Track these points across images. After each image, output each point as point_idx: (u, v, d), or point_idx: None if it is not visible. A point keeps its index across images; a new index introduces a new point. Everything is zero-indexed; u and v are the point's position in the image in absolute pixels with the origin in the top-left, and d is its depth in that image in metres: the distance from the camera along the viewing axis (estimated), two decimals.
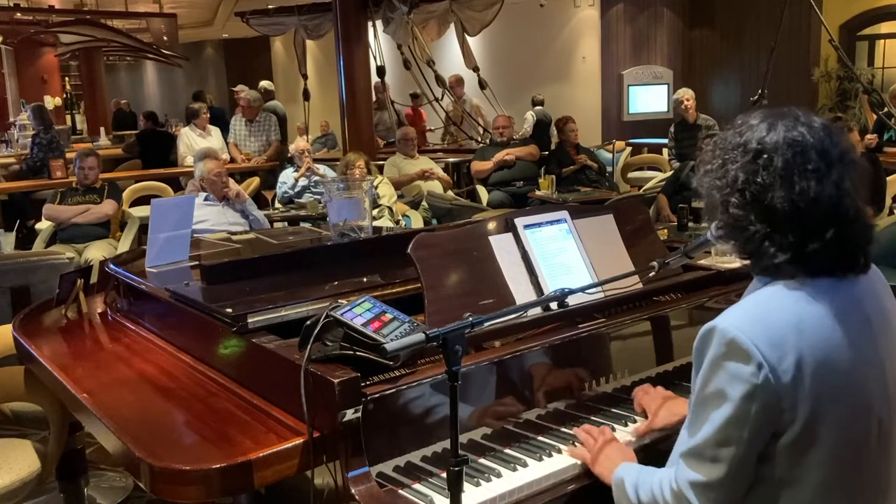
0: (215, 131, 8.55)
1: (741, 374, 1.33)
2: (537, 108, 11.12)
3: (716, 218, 1.48)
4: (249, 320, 1.98)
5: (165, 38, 13.58)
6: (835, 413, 1.35)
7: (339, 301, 1.79)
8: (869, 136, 7.50)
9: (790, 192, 1.36)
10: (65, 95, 16.52)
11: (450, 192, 7.24)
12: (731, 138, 1.45)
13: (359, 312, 1.71)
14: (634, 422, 1.96)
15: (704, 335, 1.40)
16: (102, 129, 13.56)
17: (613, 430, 1.91)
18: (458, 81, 10.58)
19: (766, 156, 1.39)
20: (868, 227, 1.43)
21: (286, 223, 6.11)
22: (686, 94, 7.73)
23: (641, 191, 7.49)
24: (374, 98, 10.02)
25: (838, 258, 1.39)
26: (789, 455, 1.36)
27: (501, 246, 2.12)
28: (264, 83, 10.44)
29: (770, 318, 1.36)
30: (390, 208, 5.92)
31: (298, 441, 1.65)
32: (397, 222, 5.88)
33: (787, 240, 1.37)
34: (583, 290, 1.96)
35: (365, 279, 2.38)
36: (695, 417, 1.42)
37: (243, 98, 8.59)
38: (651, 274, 2.02)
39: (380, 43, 9.62)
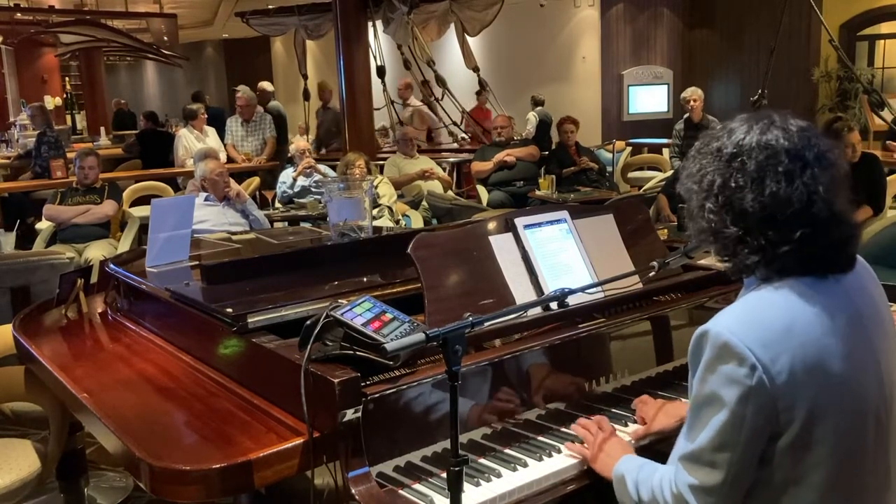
0: (212, 132, 8.56)
1: (735, 377, 1.34)
2: (539, 108, 11.10)
3: (693, 221, 1.48)
4: (249, 320, 1.98)
5: (165, 38, 13.59)
6: (832, 412, 1.35)
7: (339, 301, 1.79)
8: None
9: (760, 195, 1.37)
10: (65, 95, 16.52)
11: (450, 192, 7.24)
12: (710, 143, 1.47)
13: (359, 312, 1.71)
14: (634, 422, 1.96)
15: (698, 339, 1.40)
16: (102, 129, 13.56)
17: None
18: (407, 87, 10.45)
19: (740, 159, 1.40)
20: (848, 226, 1.42)
21: (286, 223, 6.11)
22: (694, 93, 7.76)
23: (641, 191, 7.50)
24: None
25: (811, 259, 1.40)
26: (789, 457, 1.36)
27: (501, 246, 2.12)
28: (263, 84, 10.47)
29: (762, 320, 1.36)
30: (390, 208, 5.92)
31: (298, 441, 1.65)
32: (397, 222, 5.88)
33: (759, 242, 1.38)
34: (583, 290, 1.97)
35: (365, 279, 2.38)
36: (693, 421, 1.43)
37: (240, 97, 8.62)
38: (651, 274, 2.03)
39: (380, 43, 9.62)
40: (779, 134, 1.41)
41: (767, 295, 1.40)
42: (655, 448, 1.85)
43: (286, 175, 6.89)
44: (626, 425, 1.95)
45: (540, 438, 1.88)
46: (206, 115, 8.60)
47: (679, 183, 1.53)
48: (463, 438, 1.76)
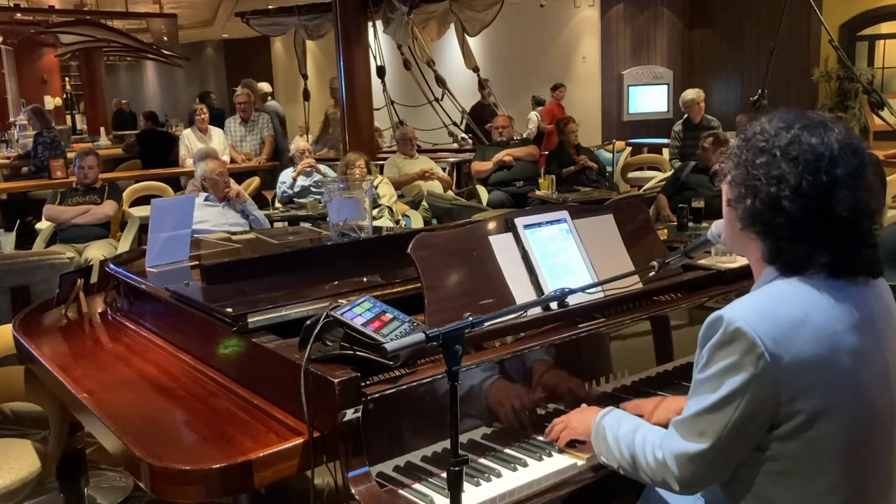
0: (216, 132, 8.54)
1: (741, 363, 1.36)
2: (540, 108, 11.07)
3: (747, 205, 1.44)
4: (249, 320, 1.98)
5: (165, 38, 13.58)
6: (837, 410, 1.36)
7: (339, 301, 1.79)
8: None
9: (849, 198, 1.38)
10: (65, 95, 16.51)
11: (450, 192, 7.23)
12: (778, 134, 1.43)
13: (359, 312, 1.71)
14: None
15: (711, 322, 1.42)
16: (102, 129, 13.55)
17: None
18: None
19: (826, 157, 1.38)
20: None
21: (286, 223, 6.11)
22: (699, 95, 7.76)
23: (641, 191, 7.49)
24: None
25: (869, 263, 1.43)
26: (788, 447, 1.38)
27: (501, 246, 2.12)
28: (261, 84, 10.44)
29: (777, 312, 1.37)
30: (390, 208, 5.92)
31: (298, 441, 1.65)
32: (397, 222, 5.88)
33: (831, 243, 1.39)
34: (583, 289, 1.97)
35: (365, 279, 2.38)
36: (692, 395, 1.46)
37: (239, 95, 8.64)
38: (651, 274, 2.03)
39: (380, 43, 9.62)
40: (856, 142, 1.42)
41: (786, 288, 1.42)
42: None
43: (286, 175, 6.89)
44: None
45: (540, 438, 1.88)
46: (206, 116, 8.57)
47: (731, 163, 1.48)
48: (463, 438, 1.76)
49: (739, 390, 1.36)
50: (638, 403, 1.96)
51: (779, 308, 1.38)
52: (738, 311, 1.39)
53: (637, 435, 1.56)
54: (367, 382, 1.66)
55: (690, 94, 7.85)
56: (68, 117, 15.76)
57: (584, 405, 1.90)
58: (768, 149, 1.42)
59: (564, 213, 2.27)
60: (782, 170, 1.39)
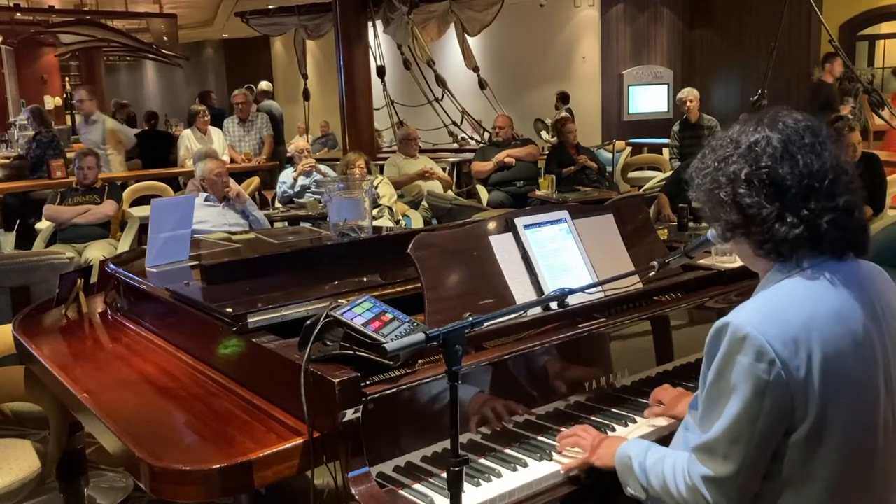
0: (216, 133, 8.54)
1: (754, 371, 1.34)
2: (567, 108, 10.99)
3: (721, 220, 1.47)
4: (249, 320, 1.98)
5: (165, 38, 13.57)
6: (844, 410, 1.36)
7: (339, 301, 1.79)
8: None
9: (795, 167, 1.40)
10: (65, 95, 16.50)
11: (450, 192, 7.23)
12: (720, 142, 1.49)
13: (359, 312, 1.71)
14: (634, 422, 1.96)
15: (718, 330, 1.41)
16: None
17: (613, 430, 1.92)
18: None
19: (762, 143, 1.42)
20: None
21: (286, 223, 6.11)
22: (690, 94, 7.73)
23: (641, 191, 7.49)
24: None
25: (848, 232, 1.42)
26: (800, 452, 1.37)
27: (501, 246, 2.12)
28: (261, 84, 10.45)
29: (783, 315, 1.37)
30: (390, 208, 5.92)
31: (298, 441, 1.65)
32: (397, 222, 5.88)
33: (801, 213, 1.39)
34: (583, 289, 1.97)
35: (365, 279, 2.38)
36: (706, 412, 1.43)
37: (236, 95, 8.66)
38: (651, 274, 2.03)
39: (380, 43, 9.64)
40: (788, 120, 1.45)
41: (790, 288, 1.41)
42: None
43: (286, 175, 6.89)
44: (626, 425, 1.95)
45: (540, 438, 1.88)
46: (208, 117, 8.55)
47: (693, 187, 1.53)
48: (463, 438, 1.76)
49: (756, 402, 1.34)
50: (662, 392, 1.96)
51: (785, 310, 1.37)
52: (745, 317, 1.37)
53: (665, 463, 1.52)
54: (367, 382, 1.66)
55: (682, 93, 7.84)
56: (68, 117, 15.75)
57: (610, 436, 1.82)
58: (710, 163, 1.48)
59: (564, 213, 2.27)
60: (728, 171, 1.44)
